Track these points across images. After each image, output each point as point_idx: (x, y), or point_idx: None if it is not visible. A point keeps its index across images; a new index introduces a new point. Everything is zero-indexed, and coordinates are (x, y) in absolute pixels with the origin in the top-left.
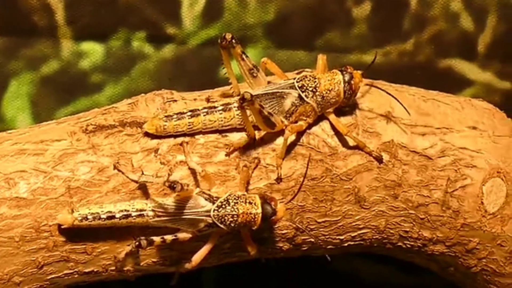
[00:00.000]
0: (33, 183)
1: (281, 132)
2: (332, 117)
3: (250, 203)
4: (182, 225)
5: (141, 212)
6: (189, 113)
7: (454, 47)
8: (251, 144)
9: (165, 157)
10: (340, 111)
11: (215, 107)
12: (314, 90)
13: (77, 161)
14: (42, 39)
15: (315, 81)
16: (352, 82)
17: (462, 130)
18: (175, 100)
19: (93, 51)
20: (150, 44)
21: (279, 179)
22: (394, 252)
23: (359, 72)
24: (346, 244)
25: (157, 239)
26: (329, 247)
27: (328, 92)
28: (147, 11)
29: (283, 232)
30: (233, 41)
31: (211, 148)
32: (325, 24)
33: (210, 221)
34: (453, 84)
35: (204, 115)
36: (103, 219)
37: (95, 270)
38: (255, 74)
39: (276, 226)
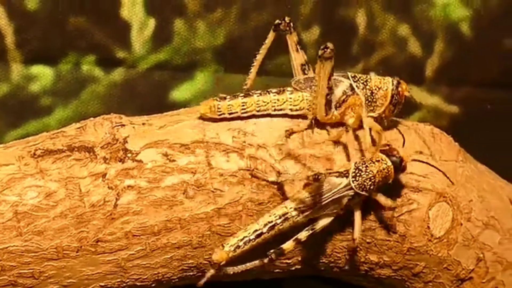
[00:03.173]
0: None
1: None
2: (369, 120)
3: (378, 161)
4: (327, 209)
5: (285, 216)
6: (242, 94)
7: (402, 71)
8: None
9: (112, 181)
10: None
11: (269, 90)
12: (365, 83)
13: (24, 185)
14: None
15: (366, 77)
16: (400, 88)
17: (416, 155)
18: (124, 125)
19: (43, 75)
20: (99, 67)
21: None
22: (341, 275)
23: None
24: (293, 268)
25: (289, 244)
26: (276, 270)
27: (377, 89)
28: (97, 35)
29: None
30: (291, 25)
31: (159, 172)
32: (275, 49)
33: (352, 193)
34: (402, 108)
35: (258, 96)
36: (253, 240)
37: None
38: (306, 72)
39: None
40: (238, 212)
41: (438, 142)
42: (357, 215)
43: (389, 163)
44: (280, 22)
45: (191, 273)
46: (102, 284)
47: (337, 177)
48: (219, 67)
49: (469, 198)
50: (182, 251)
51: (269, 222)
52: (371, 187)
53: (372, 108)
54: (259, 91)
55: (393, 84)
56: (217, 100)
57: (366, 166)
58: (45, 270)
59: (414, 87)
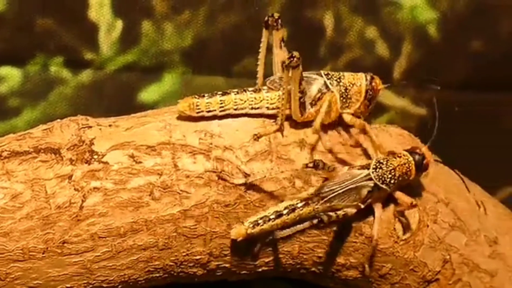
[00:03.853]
0: None
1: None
2: (348, 117)
3: (399, 156)
4: (347, 199)
5: (306, 202)
6: (220, 92)
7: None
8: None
9: (79, 183)
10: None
11: (246, 89)
12: (338, 80)
13: None
14: None
15: (340, 74)
16: (374, 83)
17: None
18: (90, 126)
19: (11, 76)
20: (67, 69)
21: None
22: (308, 277)
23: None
24: (260, 269)
25: (332, 214)
26: (243, 272)
27: (351, 85)
28: (65, 36)
29: (197, 258)
30: (280, 21)
31: (125, 174)
32: (242, 51)
33: (372, 185)
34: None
35: (235, 94)
36: (272, 219)
37: None
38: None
39: (191, 253)
40: (204, 214)
41: (405, 144)
42: (377, 212)
43: (410, 159)
44: (268, 18)
45: (157, 275)
46: (68, 285)
47: (359, 169)
48: (187, 68)
49: (435, 200)
50: (148, 253)
51: (290, 206)
52: (391, 181)
53: (347, 104)
54: (236, 90)
55: (366, 79)
56: (195, 97)
57: (387, 160)
58: (11, 272)
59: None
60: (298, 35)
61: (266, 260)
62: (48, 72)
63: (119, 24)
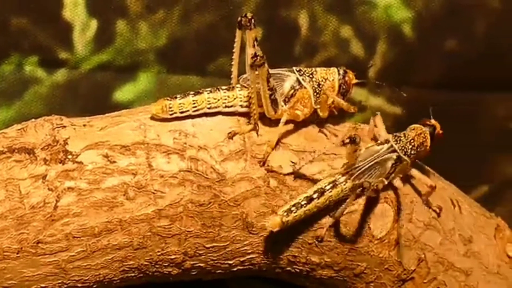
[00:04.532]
0: None
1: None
2: (324, 115)
3: (413, 129)
4: (374, 175)
5: (334, 183)
6: (193, 92)
7: None
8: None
9: (53, 183)
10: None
11: (219, 87)
12: (311, 76)
13: None
14: None
15: (312, 69)
16: (347, 77)
17: None
18: (64, 126)
19: None
20: (42, 68)
21: (262, 163)
22: (283, 276)
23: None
24: (235, 269)
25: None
26: (218, 271)
27: (324, 80)
28: (39, 36)
29: (172, 257)
30: (253, 21)
31: (99, 174)
32: (217, 50)
33: (395, 157)
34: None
35: (208, 93)
36: (304, 205)
37: None
38: None
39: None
40: (178, 214)
41: None
42: (399, 185)
43: (425, 129)
44: (241, 18)
45: (132, 274)
46: (43, 285)
47: (378, 145)
48: (162, 68)
49: (410, 199)
50: (123, 252)
51: (319, 189)
52: (412, 152)
53: (321, 99)
54: (209, 89)
55: (339, 73)
56: (168, 99)
57: (404, 133)
58: None
59: (357, 88)
60: (273, 34)
61: (241, 259)
62: (23, 72)
63: (94, 23)
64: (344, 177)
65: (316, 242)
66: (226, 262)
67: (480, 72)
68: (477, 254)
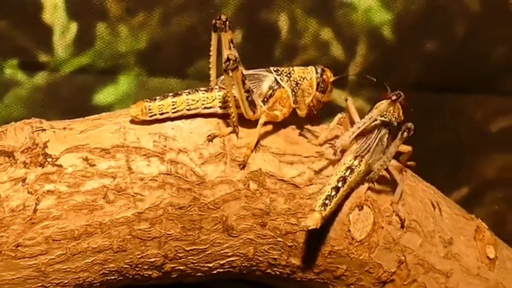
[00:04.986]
0: None
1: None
2: (303, 114)
3: (382, 103)
4: (377, 152)
5: (350, 168)
6: (171, 94)
7: None
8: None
9: (32, 186)
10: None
11: (198, 89)
12: (288, 75)
13: None
14: None
15: (289, 69)
16: (324, 75)
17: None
18: (44, 129)
19: None
20: (22, 71)
21: (242, 166)
22: (264, 279)
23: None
24: (215, 272)
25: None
26: (198, 274)
27: (302, 79)
28: (19, 38)
29: (152, 260)
30: (227, 23)
31: (79, 177)
32: (197, 53)
33: (388, 130)
34: (326, 110)
35: (187, 95)
36: (335, 195)
37: None
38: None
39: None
40: (158, 217)
41: None
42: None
43: (394, 97)
44: (216, 20)
45: (112, 277)
46: None
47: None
48: (142, 70)
49: (390, 201)
50: (103, 255)
51: (341, 178)
52: (395, 123)
53: (299, 98)
54: (188, 90)
55: (317, 72)
56: (147, 101)
57: (384, 109)
58: None
59: (338, 90)
60: (253, 36)
61: (221, 262)
62: (3, 75)
63: (74, 26)
64: (357, 160)
65: (296, 245)
66: (206, 265)
67: (459, 74)
68: (457, 256)
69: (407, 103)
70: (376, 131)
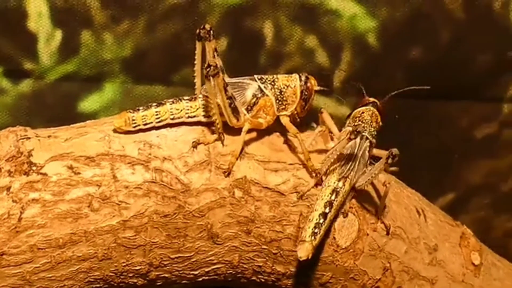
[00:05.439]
0: None
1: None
2: (285, 120)
3: (363, 112)
4: (360, 169)
5: (335, 191)
6: (155, 104)
7: None
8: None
9: (17, 195)
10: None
11: (181, 98)
12: (272, 83)
13: None
14: None
15: (273, 77)
16: (308, 83)
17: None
18: (29, 137)
19: None
20: (7, 79)
21: (227, 174)
22: (249, 286)
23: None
24: (200, 279)
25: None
26: (183, 282)
27: (286, 87)
28: (4, 46)
29: (137, 268)
30: (211, 32)
31: (64, 185)
32: (182, 60)
33: (368, 144)
34: (311, 118)
35: (171, 104)
36: (323, 222)
37: None
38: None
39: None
40: (143, 225)
41: None
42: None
43: (372, 107)
44: (200, 29)
45: (97, 285)
46: None
47: (347, 142)
48: (127, 78)
49: (375, 209)
50: (87, 264)
51: (327, 203)
52: (375, 133)
53: (283, 106)
54: (171, 99)
55: (301, 80)
56: (130, 112)
57: (360, 119)
58: None
59: (323, 97)
60: (238, 44)
61: (207, 269)
62: None
63: (59, 34)
64: (341, 182)
65: (281, 252)
66: (191, 272)
67: (444, 81)
68: (442, 263)
69: (384, 109)
70: (356, 148)
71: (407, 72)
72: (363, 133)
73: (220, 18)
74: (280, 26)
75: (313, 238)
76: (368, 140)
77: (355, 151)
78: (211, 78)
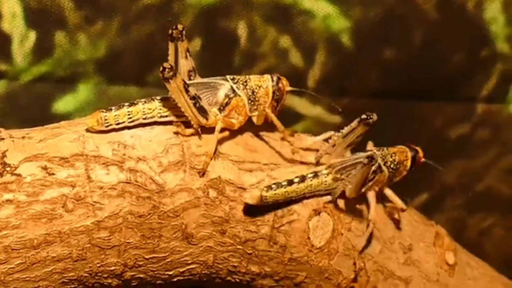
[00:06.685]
0: None
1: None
2: (267, 112)
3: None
4: (353, 174)
5: (316, 173)
6: (127, 103)
7: None
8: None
9: None
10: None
11: (154, 97)
12: (245, 83)
13: None
14: None
15: (245, 77)
16: (280, 84)
17: (290, 166)
18: (3, 138)
19: None
20: None
21: (202, 174)
22: (224, 286)
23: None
24: (175, 279)
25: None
26: (158, 282)
27: (258, 88)
28: None
29: (111, 268)
30: (184, 33)
31: (38, 186)
32: (156, 60)
33: (375, 168)
34: (285, 118)
35: (143, 104)
36: (284, 186)
37: None
38: (192, 77)
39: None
40: (118, 225)
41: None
42: (372, 199)
43: (407, 149)
44: (172, 30)
45: (72, 286)
46: None
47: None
48: (101, 79)
49: (351, 208)
50: (62, 264)
51: (300, 175)
52: (391, 165)
53: (255, 107)
54: (144, 99)
55: (273, 80)
56: (103, 111)
57: (387, 147)
58: None
59: (297, 97)
60: (211, 45)
61: (181, 270)
62: None
63: (32, 35)
64: (327, 170)
65: (256, 252)
66: (166, 272)
67: (418, 81)
68: (417, 262)
69: (419, 163)
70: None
71: (381, 72)
72: (375, 151)
73: (194, 19)
74: (254, 26)
75: (265, 189)
76: (375, 161)
77: (358, 156)
78: (168, 80)
